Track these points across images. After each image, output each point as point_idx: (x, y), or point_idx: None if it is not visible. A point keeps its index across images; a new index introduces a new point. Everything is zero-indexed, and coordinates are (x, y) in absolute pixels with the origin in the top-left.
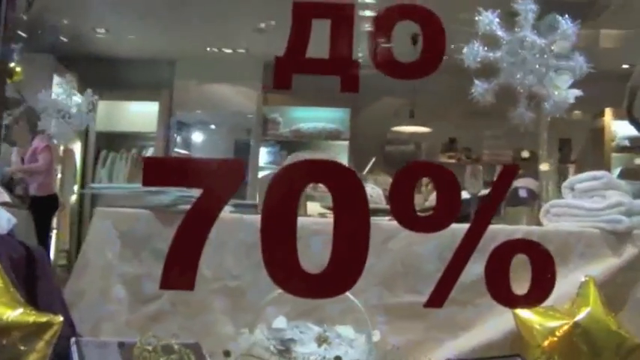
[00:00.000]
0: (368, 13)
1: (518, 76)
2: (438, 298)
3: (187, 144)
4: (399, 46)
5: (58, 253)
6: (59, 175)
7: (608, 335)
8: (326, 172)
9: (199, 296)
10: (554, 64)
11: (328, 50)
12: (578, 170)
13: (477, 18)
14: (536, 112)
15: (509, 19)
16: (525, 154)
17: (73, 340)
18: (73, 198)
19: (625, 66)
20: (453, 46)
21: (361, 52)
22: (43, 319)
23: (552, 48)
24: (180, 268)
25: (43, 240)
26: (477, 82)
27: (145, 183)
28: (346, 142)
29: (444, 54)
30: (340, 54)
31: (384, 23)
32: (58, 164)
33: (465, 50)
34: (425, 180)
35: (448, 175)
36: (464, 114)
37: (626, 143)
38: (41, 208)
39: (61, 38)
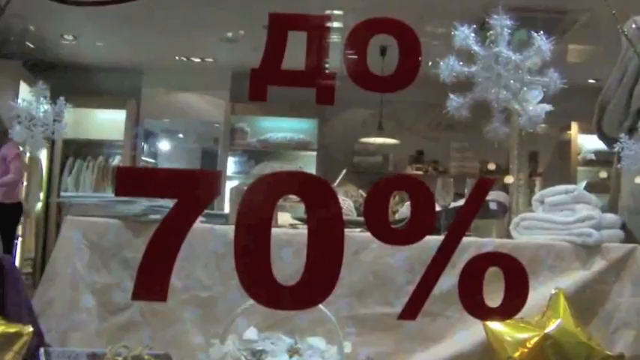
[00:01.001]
0: (336, 24)
1: (492, 91)
2: (411, 310)
3: (155, 152)
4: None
5: (23, 261)
6: (25, 183)
7: (578, 347)
8: (300, 183)
9: (170, 306)
10: (529, 80)
11: (304, 62)
12: (545, 183)
13: (452, 33)
14: (509, 127)
15: (484, 34)
16: (492, 166)
17: (42, 350)
18: (39, 206)
19: (591, 81)
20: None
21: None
22: (13, 329)
23: (527, 63)
24: (153, 279)
25: (9, 248)
26: (451, 96)
27: (119, 193)
28: (314, 153)
29: (419, 67)
30: (316, 66)
31: (359, 36)
32: (24, 172)
33: (440, 64)
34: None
35: (423, 189)
36: (431, 126)
37: (592, 157)
38: (6, 216)
39: (28, 44)
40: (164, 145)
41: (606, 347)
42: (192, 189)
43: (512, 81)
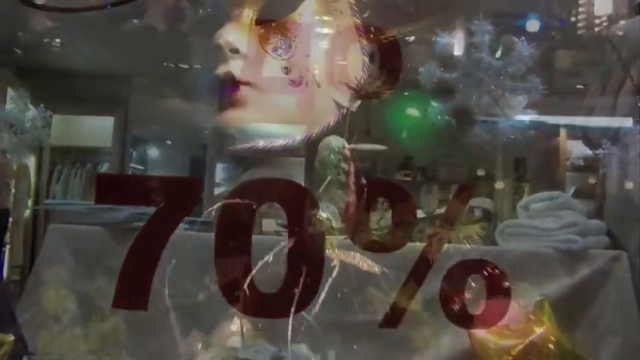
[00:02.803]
0: (326, 30)
1: (474, 97)
2: (393, 318)
3: (143, 159)
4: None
5: (12, 269)
6: (12, 190)
7: (562, 354)
8: (280, 191)
9: (154, 314)
10: (510, 86)
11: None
12: (533, 189)
13: (434, 39)
14: (491, 133)
15: (466, 40)
16: (480, 172)
17: (25, 359)
18: (27, 213)
19: (579, 86)
20: (409, 64)
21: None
22: None
23: (508, 69)
24: (133, 288)
25: None
26: (433, 102)
27: (98, 200)
28: (302, 159)
29: (400, 75)
30: (297, 73)
31: (342, 42)
32: (12, 179)
33: (421, 71)
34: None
35: (403, 195)
36: (420, 132)
37: (581, 163)
38: None
39: (16, 50)
40: (153, 152)
41: (591, 354)
42: (173, 196)
43: (493, 87)
